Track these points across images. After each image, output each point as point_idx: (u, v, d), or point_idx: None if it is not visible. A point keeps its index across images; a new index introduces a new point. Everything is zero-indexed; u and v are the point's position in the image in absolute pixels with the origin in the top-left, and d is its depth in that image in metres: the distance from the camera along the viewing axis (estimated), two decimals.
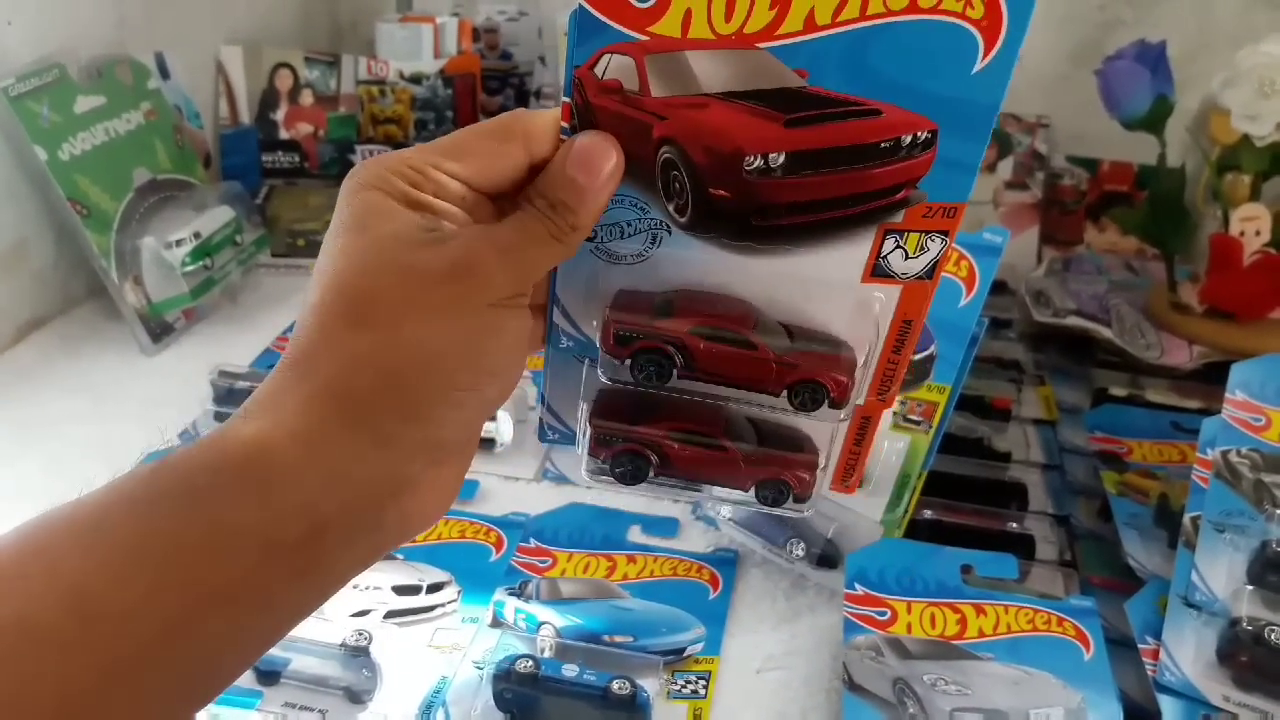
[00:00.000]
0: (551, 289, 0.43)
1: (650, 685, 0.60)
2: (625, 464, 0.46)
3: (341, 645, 0.63)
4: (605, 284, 0.42)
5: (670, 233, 0.40)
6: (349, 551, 0.38)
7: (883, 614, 0.63)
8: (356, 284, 0.37)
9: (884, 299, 0.41)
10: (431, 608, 0.69)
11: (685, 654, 0.66)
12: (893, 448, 0.69)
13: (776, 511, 0.47)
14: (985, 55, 0.36)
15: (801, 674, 0.65)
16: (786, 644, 0.67)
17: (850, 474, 0.47)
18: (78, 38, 1.03)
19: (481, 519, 0.78)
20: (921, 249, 0.40)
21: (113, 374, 0.96)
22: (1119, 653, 0.63)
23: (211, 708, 0.60)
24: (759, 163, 0.38)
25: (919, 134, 0.37)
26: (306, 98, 1.27)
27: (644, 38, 0.37)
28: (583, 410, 0.46)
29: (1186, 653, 0.61)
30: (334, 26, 1.46)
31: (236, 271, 1.07)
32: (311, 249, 1.17)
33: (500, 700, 0.61)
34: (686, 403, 0.44)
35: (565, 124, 0.39)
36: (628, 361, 0.42)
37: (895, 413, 0.70)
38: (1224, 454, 0.68)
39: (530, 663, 0.61)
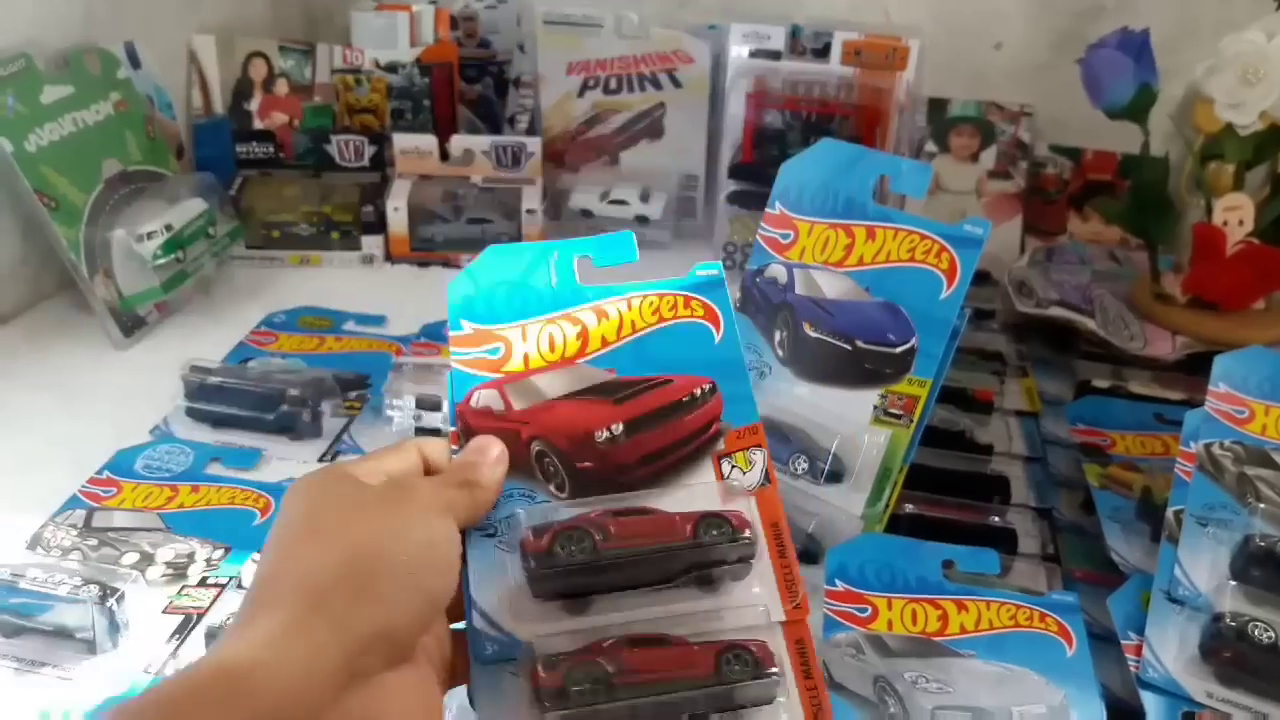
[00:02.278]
0: (467, 596, 0.46)
1: None
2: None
3: None
4: (514, 572, 0.47)
5: (557, 511, 0.49)
6: None
7: (863, 610, 0.62)
8: (307, 516, 0.43)
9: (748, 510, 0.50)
10: None
11: None
12: (873, 441, 0.69)
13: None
14: (718, 335, 0.53)
15: None
16: None
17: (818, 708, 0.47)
18: (45, 27, 1.01)
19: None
20: (750, 463, 0.51)
21: (83, 369, 0.94)
22: (1101, 648, 0.62)
23: None
24: (606, 434, 0.50)
25: (703, 387, 0.51)
26: (281, 87, 1.25)
27: (500, 376, 0.51)
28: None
29: (1169, 648, 0.60)
30: (309, 15, 1.44)
31: (210, 264, 1.06)
32: (287, 240, 1.16)
33: None
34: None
35: (454, 446, 0.49)
36: (550, 547, 0.47)
37: (876, 406, 0.69)
38: (1207, 447, 0.67)
39: None
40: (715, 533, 0.48)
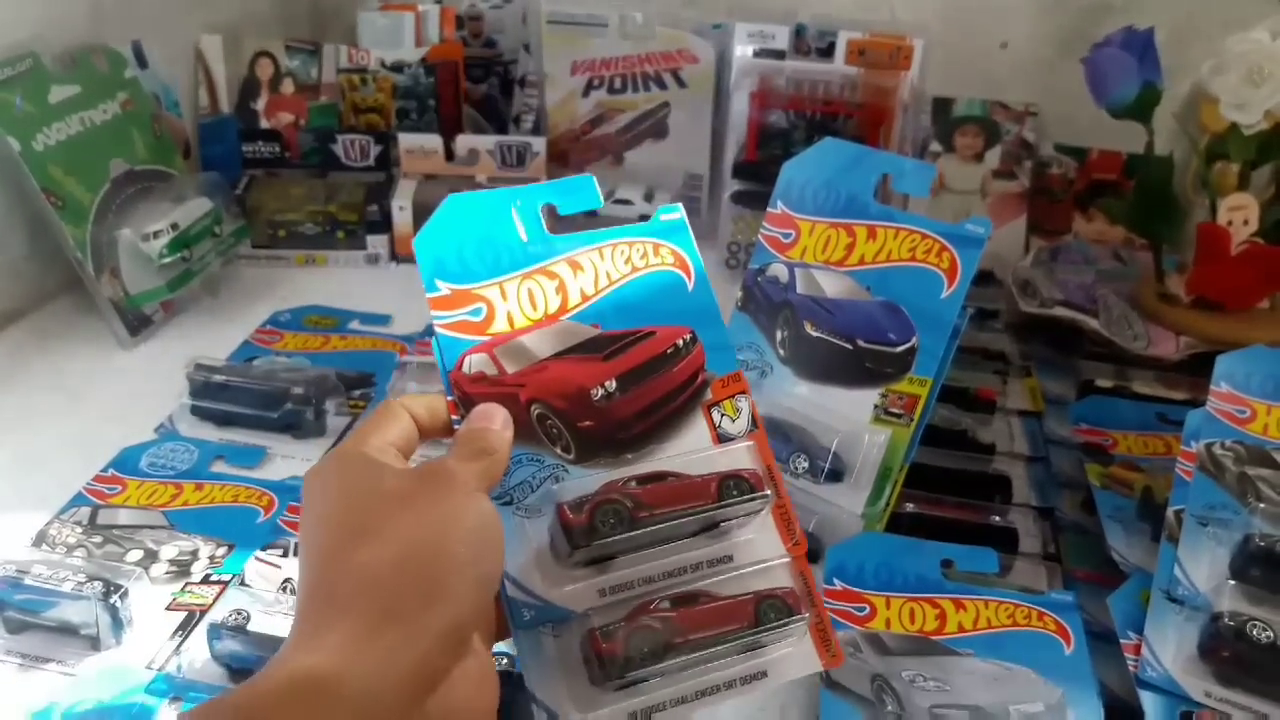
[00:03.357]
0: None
1: None
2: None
3: None
4: (535, 534, 0.48)
5: (568, 471, 0.50)
6: None
7: (861, 610, 0.63)
8: (347, 511, 0.42)
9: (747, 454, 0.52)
10: None
11: None
12: (873, 440, 0.69)
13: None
14: (689, 283, 0.55)
15: None
16: None
17: (827, 638, 0.50)
18: (52, 26, 1.01)
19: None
20: (737, 410, 0.53)
21: (89, 368, 0.95)
22: (1101, 647, 0.62)
23: (182, 707, 0.59)
24: (601, 391, 0.51)
25: (685, 337, 0.53)
26: (287, 86, 1.25)
27: (487, 339, 0.51)
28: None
29: (1168, 648, 0.60)
30: (316, 14, 1.44)
31: (215, 263, 1.06)
32: (293, 240, 1.16)
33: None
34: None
35: (455, 416, 0.49)
36: (590, 522, 0.48)
37: (877, 405, 0.69)
38: (1208, 447, 0.67)
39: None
40: (736, 492, 0.50)
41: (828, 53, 1.14)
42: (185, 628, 0.66)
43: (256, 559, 0.71)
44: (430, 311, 0.51)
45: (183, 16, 1.22)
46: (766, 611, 0.49)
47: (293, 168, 1.23)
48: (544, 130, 1.26)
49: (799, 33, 1.18)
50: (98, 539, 0.72)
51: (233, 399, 0.86)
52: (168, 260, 0.99)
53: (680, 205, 0.56)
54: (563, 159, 1.26)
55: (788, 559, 0.51)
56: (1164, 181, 1.02)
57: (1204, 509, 0.64)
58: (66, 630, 0.64)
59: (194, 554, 0.72)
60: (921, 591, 0.63)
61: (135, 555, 0.71)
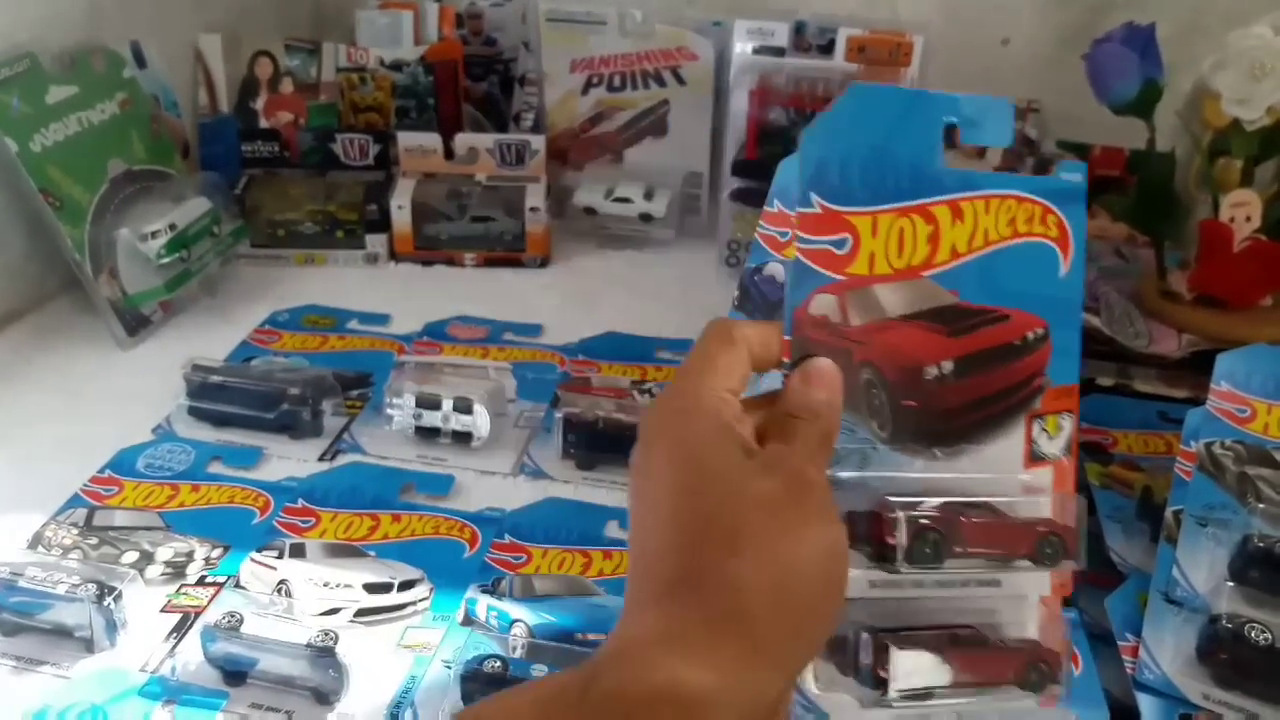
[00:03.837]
0: None
1: None
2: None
3: (308, 645, 0.62)
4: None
5: (876, 449, 0.45)
6: None
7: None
8: (707, 506, 0.40)
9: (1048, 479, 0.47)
10: (402, 606, 0.68)
11: None
12: None
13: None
14: (1065, 264, 0.47)
15: None
16: None
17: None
18: (50, 26, 1.01)
19: (456, 514, 0.77)
20: (1059, 428, 0.47)
21: (88, 369, 0.95)
22: (1099, 649, 0.62)
23: (176, 709, 0.59)
24: (935, 371, 0.46)
25: (1036, 330, 0.46)
26: (287, 86, 1.25)
27: (842, 279, 0.45)
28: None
29: (1166, 651, 0.60)
30: (315, 13, 1.44)
31: (214, 263, 1.06)
32: (292, 239, 1.16)
33: (468, 701, 0.60)
34: None
35: (786, 359, 0.45)
36: (911, 545, 0.44)
37: None
38: (1208, 446, 0.66)
39: (499, 663, 0.60)
40: (1049, 553, 0.46)
41: (828, 50, 1.14)
42: (180, 630, 0.66)
43: (252, 560, 0.71)
44: (797, 230, 0.45)
45: (181, 16, 1.22)
46: (1030, 675, 0.46)
47: (292, 167, 1.22)
48: (544, 128, 1.25)
49: (799, 30, 1.17)
50: (93, 540, 0.72)
51: (229, 399, 0.86)
52: (166, 260, 0.99)
53: (1084, 166, 0.48)
54: (562, 157, 1.26)
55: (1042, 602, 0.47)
56: (1166, 178, 1.01)
57: (1203, 509, 0.64)
58: (61, 632, 0.64)
59: (189, 555, 0.72)
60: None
61: (131, 557, 0.71)
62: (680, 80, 1.21)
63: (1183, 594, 0.61)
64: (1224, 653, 0.58)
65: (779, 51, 1.15)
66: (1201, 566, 0.62)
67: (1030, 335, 0.47)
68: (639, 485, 0.42)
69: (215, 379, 0.87)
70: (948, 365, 0.46)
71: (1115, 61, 0.95)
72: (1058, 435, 0.47)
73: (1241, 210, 0.93)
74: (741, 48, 1.16)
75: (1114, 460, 0.80)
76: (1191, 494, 0.64)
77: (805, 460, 0.42)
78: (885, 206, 0.48)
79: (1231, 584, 0.61)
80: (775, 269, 0.75)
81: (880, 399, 0.46)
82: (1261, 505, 0.63)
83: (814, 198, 0.44)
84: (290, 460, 0.83)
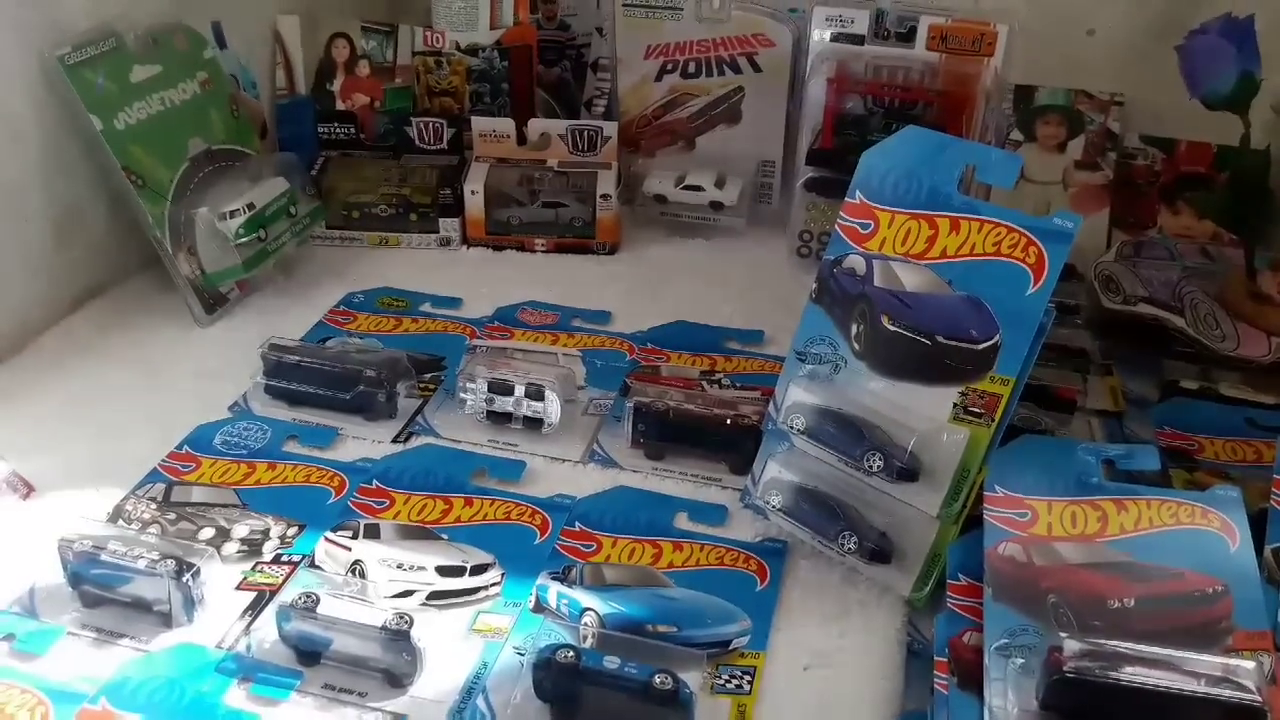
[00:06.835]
0: None
1: (693, 679, 0.59)
2: None
3: (382, 628, 0.62)
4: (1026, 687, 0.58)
5: None
6: None
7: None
8: None
9: None
10: (475, 590, 0.68)
11: (730, 647, 0.64)
12: (952, 440, 0.67)
13: None
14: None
15: (851, 672, 0.63)
16: (836, 641, 0.66)
17: None
18: (134, 6, 1.02)
19: (527, 500, 0.77)
20: (1256, 660, 0.55)
21: (166, 345, 0.96)
22: None
23: (251, 688, 0.60)
24: (1118, 604, 0.59)
25: (1215, 587, 0.59)
26: (363, 68, 1.26)
27: (1025, 535, 0.62)
28: None
29: None
30: None
31: (291, 243, 1.07)
32: (366, 221, 1.16)
33: (540, 690, 0.60)
34: None
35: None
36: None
37: (956, 404, 0.68)
38: None
39: (571, 653, 0.59)
40: None
41: (908, 38, 1.12)
42: (255, 608, 0.66)
43: (326, 540, 0.71)
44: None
45: None
46: None
47: (367, 150, 1.23)
48: (615, 115, 1.25)
49: (879, 17, 1.15)
50: (171, 516, 0.73)
51: (306, 379, 0.87)
52: (244, 240, 1.00)
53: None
54: (633, 144, 1.25)
55: None
56: (1260, 176, 0.98)
57: None
58: (140, 606, 0.65)
59: (265, 533, 0.72)
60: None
61: (208, 533, 0.72)
62: (756, 67, 1.20)
63: None
64: None
65: (858, 39, 1.13)
66: None
67: (1210, 590, 0.58)
68: None
69: (292, 358, 0.87)
70: (1130, 601, 0.59)
71: (1211, 54, 0.92)
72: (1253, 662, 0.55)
73: None
74: (819, 35, 1.14)
75: (1200, 467, 0.78)
76: None
77: None
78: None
79: None
80: (856, 261, 0.73)
81: (1068, 617, 0.58)
82: None
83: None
84: (365, 441, 0.83)
